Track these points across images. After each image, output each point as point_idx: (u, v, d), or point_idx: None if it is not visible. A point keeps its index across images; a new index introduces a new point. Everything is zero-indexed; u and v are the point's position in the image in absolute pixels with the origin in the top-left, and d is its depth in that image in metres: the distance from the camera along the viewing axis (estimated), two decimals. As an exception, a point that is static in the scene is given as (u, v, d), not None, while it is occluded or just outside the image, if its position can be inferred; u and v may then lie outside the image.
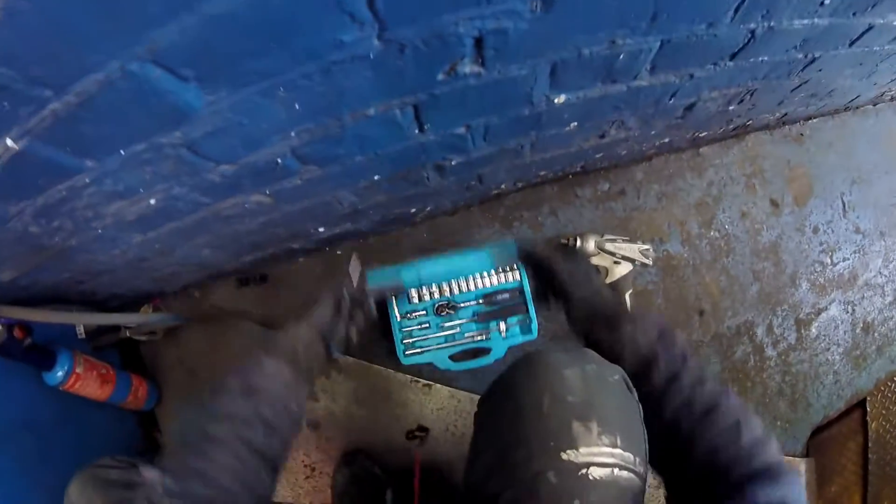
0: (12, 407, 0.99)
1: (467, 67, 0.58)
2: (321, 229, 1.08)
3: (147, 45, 0.42)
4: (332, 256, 1.29)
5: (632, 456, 0.53)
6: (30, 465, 0.98)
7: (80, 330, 1.13)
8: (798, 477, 0.59)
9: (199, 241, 0.97)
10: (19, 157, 0.52)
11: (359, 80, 0.56)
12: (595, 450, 0.51)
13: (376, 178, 0.86)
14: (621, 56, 0.66)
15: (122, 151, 0.59)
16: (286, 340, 0.80)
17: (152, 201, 0.73)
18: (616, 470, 0.51)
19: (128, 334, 1.19)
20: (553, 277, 0.89)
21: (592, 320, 0.80)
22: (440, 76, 0.59)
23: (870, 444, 1.30)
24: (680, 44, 0.68)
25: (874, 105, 1.41)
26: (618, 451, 0.52)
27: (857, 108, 1.39)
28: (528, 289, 1.17)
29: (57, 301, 1.06)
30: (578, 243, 1.16)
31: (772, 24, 0.69)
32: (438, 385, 1.21)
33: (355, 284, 0.91)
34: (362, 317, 0.90)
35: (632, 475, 0.52)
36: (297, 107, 0.58)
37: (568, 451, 0.51)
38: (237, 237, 0.99)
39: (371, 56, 0.51)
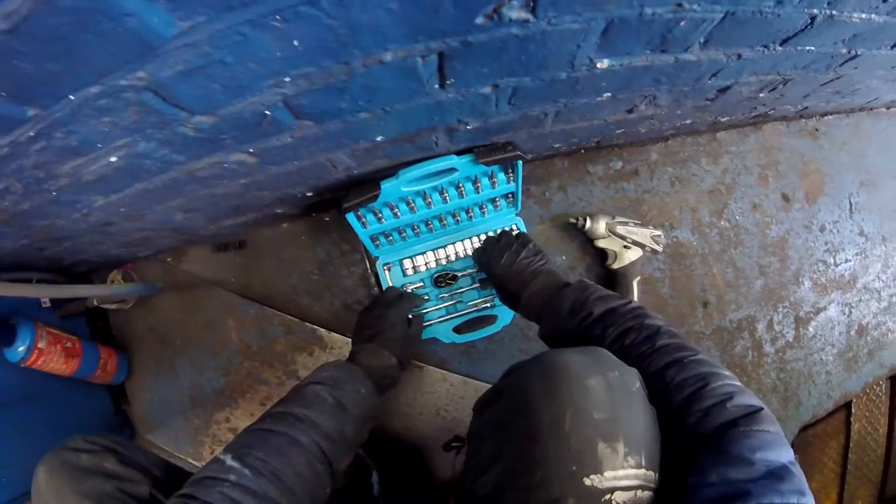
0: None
1: (514, 12, 0.49)
2: (310, 194, 0.98)
3: None
4: (318, 222, 1.19)
5: (654, 474, 0.47)
6: None
7: (45, 299, 1.07)
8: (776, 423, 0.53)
9: (171, 205, 0.87)
10: (-56, 103, 0.41)
11: (380, 14, 0.45)
12: (621, 472, 0.45)
13: (379, 139, 0.76)
14: (682, 22, 0.59)
15: (71, 96, 0.48)
16: (376, 369, 0.84)
17: (113, 159, 0.63)
18: (639, 492, 0.46)
19: (96, 303, 1.12)
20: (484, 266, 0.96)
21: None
22: (480, 19, 0.49)
23: (851, 445, 1.31)
24: (743, 19, 0.61)
25: (887, 108, 1.38)
26: (642, 471, 0.46)
27: (871, 109, 1.36)
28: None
29: (19, 269, 0.99)
30: (588, 223, 1.09)
31: (834, 12, 0.64)
32: (430, 367, 1.15)
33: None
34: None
35: (652, 493, 0.47)
36: (295, 43, 0.47)
37: (591, 477, 0.45)
38: (215, 201, 0.89)
39: (401, -19, 0.41)
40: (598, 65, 0.65)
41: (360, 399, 0.77)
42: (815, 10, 0.63)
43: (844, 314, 1.30)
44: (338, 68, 0.53)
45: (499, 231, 0.99)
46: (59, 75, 0.44)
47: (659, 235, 1.12)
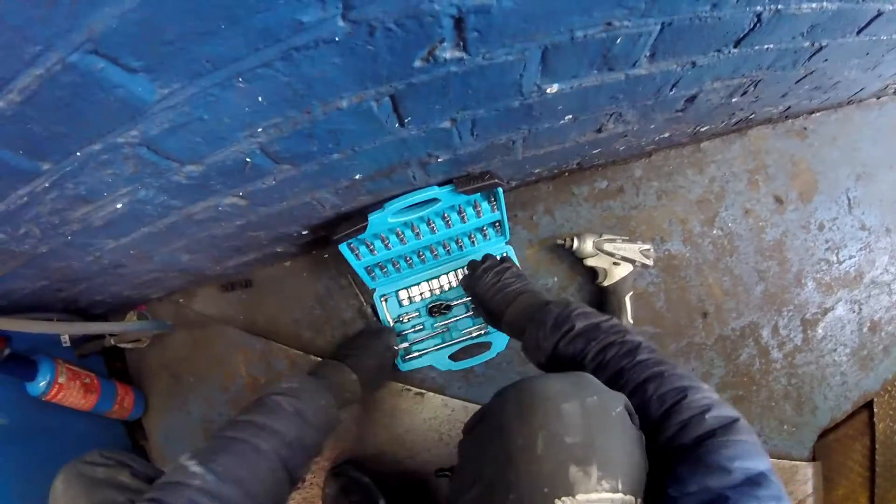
0: (-5, 415, 0.98)
1: (447, 52, 0.53)
2: (304, 232, 1.03)
3: (85, 33, 0.38)
4: (318, 259, 1.24)
5: (633, 498, 0.47)
6: (12, 473, 0.98)
7: (65, 338, 1.13)
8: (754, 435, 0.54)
9: (175, 246, 0.93)
10: (-29, 160, 0.49)
11: (326, 68, 0.51)
12: (594, 496, 0.45)
13: (357, 176, 0.81)
14: (618, 40, 0.61)
15: (78, 153, 0.55)
16: (336, 384, 0.90)
17: (118, 205, 0.70)
18: None
19: (112, 342, 1.18)
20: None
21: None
22: (417, 63, 0.54)
23: (877, 446, 1.26)
24: (682, 27, 0.63)
25: (877, 98, 1.36)
26: (618, 495, 0.46)
27: (860, 101, 1.34)
28: None
29: (38, 309, 1.04)
30: (575, 244, 1.11)
31: (779, 6, 0.64)
32: (430, 393, 1.17)
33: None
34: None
35: None
36: (260, 99, 0.53)
37: (563, 499, 0.45)
38: (215, 242, 0.95)
39: (337, 39, 0.46)
40: (548, 90, 0.68)
41: (319, 410, 0.81)
42: (759, 7, 0.63)
43: (854, 312, 1.27)
44: (301, 116, 0.58)
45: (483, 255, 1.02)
46: (65, 135, 0.52)
47: (648, 249, 1.13)
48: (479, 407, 1.12)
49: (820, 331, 1.25)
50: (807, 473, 1.23)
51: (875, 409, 1.25)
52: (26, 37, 0.38)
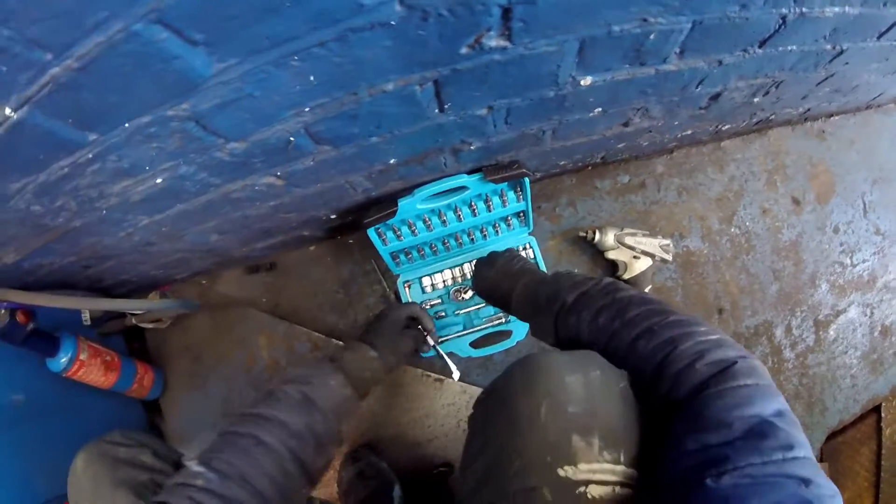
0: (16, 391, 0.98)
1: (493, 41, 0.55)
2: (333, 216, 1.05)
3: (152, 2, 0.39)
4: (342, 244, 1.27)
5: (635, 472, 0.47)
6: (31, 450, 0.97)
7: (86, 316, 1.13)
8: (766, 376, 0.49)
9: (207, 226, 0.95)
10: (18, 127, 0.50)
11: (378, 51, 0.53)
12: (596, 466, 0.45)
13: (392, 161, 0.83)
14: (652, 36, 0.63)
15: (126, 124, 0.56)
16: (353, 363, 0.80)
17: (158, 180, 0.71)
18: (617, 488, 0.45)
19: (134, 322, 1.19)
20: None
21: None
22: (464, 49, 0.56)
23: (883, 451, 1.27)
24: (711, 26, 0.65)
25: (896, 104, 1.37)
26: (620, 467, 0.46)
27: (879, 106, 1.36)
28: (542, 265, 1.16)
29: (63, 286, 1.05)
30: (597, 236, 1.13)
31: (803, 9, 0.66)
32: (450, 380, 1.19)
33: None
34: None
35: (633, 492, 0.46)
36: (311, 79, 0.55)
37: (566, 468, 0.45)
38: (247, 222, 0.97)
39: (392, 23, 0.48)
40: (582, 82, 0.70)
41: (329, 392, 0.73)
42: (784, 10, 0.65)
43: (866, 315, 1.29)
44: (348, 98, 0.61)
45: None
46: (117, 106, 0.53)
47: (668, 244, 1.15)
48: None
49: (832, 332, 1.27)
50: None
51: (883, 414, 1.26)
52: (92, 2, 0.38)
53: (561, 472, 0.45)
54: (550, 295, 0.72)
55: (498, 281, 0.88)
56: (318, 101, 0.60)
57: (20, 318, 0.92)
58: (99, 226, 0.83)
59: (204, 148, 0.66)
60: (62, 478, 0.68)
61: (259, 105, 0.58)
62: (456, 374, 0.94)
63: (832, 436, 1.27)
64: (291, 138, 0.67)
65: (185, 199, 0.81)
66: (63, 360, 1.01)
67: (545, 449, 0.46)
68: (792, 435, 0.42)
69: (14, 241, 0.80)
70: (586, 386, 0.50)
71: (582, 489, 0.44)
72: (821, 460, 1.27)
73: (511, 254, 0.93)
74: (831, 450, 1.27)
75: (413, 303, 1.03)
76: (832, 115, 1.33)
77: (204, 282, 1.31)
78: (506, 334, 1.15)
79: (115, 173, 0.67)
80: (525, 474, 0.46)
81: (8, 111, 0.48)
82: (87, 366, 1.05)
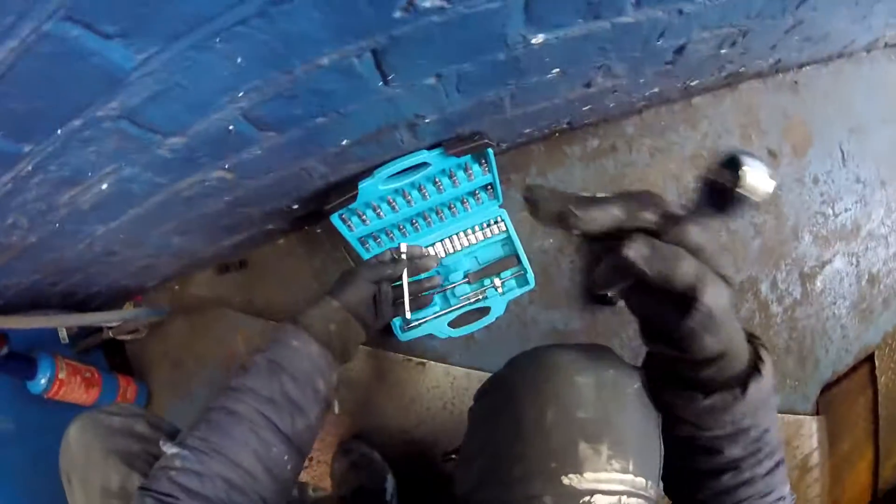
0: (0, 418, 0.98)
1: (428, 1, 0.52)
2: (295, 206, 1.02)
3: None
4: (311, 234, 1.24)
5: (644, 480, 0.45)
6: (20, 474, 0.97)
7: (63, 334, 1.12)
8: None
9: (165, 228, 0.92)
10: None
11: (305, 23, 0.49)
12: (603, 475, 0.43)
13: (344, 142, 0.80)
14: (603, -16, 0.60)
15: (59, 130, 0.54)
16: (315, 317, 0.74)
17: (104, 186, 0.69)
18: (624, 498, 0.44)
19: (111, 335, 1.17)
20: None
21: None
22: (397, 13, 0.52)
23: (879, 399, 1.26)
24: (666, -30, 0.61)
25: (868, 52, 1.35)
26: (629, 476, 0.44)
27: (850, 54, 1.33)
28: (515, 238, 1.13)
29: (35, 306, 1.03)
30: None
31: None
32: (432, 362, 1.17)
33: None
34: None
35: (641, 501, 0.45)
36: (239, 61, 0.52)
37: (570, 476, 0.43)
38: (205, 221, 0.94)
39: (314, -10, 0.45)
40: (534, 41, 0.66)
41: (292, 352, 0.68)
42: None
43: (852, 265, 1.27)
44: (282, 77, 0.57)
45: None
46: (45, 111, 0.51)
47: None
48: (482, 373, 1.14)
49: (819, 284, 1.26)
50: (811, 427, 1.24)
51: (876, 363, 1.26)
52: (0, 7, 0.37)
53: (565, 481, 0.43)
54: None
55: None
56: (251, 83, 0.57)
57: (-6, 342, 0.90)
58: (55, 239, 0.80)
59: (143, 146, 0.63)
60: (53, 498, 0.68)
61: (189, 94, 0.55)
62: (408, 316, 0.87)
63: (826, 388, 1.27)
64: (231, 126, 0.64)
65: (135, 203, 0.78)
66: (42, 381, 1.00)
67: (550, 455, 0.44)
68: None
69: (-30, 263, 0.78)
70: (598, 388, 0.47)
71: (586, 499, 0.43)
72: (816, 413, 1.26)
73: None
74: (827, 402, 1.27)
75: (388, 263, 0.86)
76: (804, 66, 1.30)
77: (176, 286, 1.28)
78: (484, 311, 1.13)
79: (58, 183, 0.65)
80: (527, 481, 0.44)
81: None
82: (68, 384, 1.04)
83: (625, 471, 0.44)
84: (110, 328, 1.16)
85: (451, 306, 1.13)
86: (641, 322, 0.47)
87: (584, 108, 1.06)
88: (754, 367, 0.45)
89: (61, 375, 1.03)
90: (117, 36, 0.43)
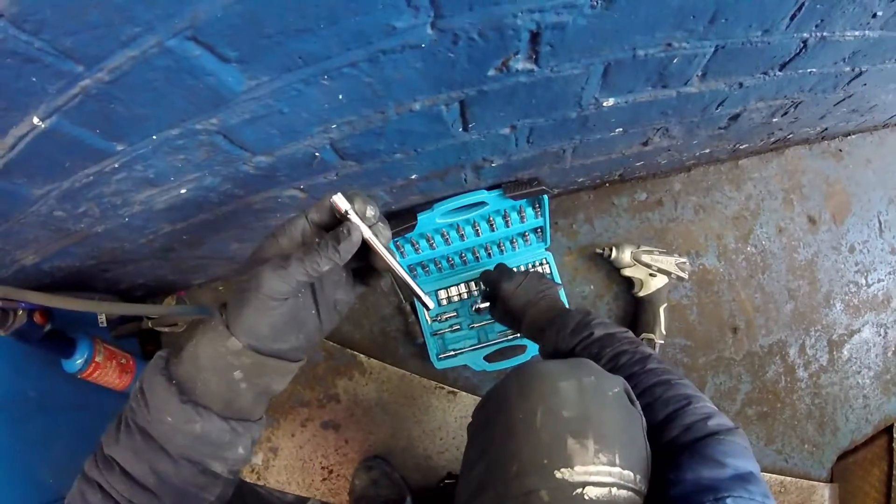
0: (29, 388, 0.99)
1: (520, 63, 0.56)
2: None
3: (188, 19, 0.39)
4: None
5: (632, 474, 0.48)
6: (39, 444, 0.98)
7: (102, 318, 1.12)
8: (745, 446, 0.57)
9: (228, 234, 0.95)
10: (46, 136, 0.50)
11: (407, 71, 0.53)
12: (592, 468, 0.47)
13: (413, 176, 0.84)
14: (675, 60, 0.64)
15: (154, 136, 0.56)
16: (203, 368, 0.44)
17: (183, 190, 0.72)
18: (614, 490, 0.47)
19: (150, 325, 1.19)
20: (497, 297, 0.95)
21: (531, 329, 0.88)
22: (491, 72, 0.57)
23: (894, 472, 1.26)
24: (734, 50, 0.65)
25: (912, 123, 1.36)
26: (616, 469, 0.48)
27: (894, 125, 1.36)
28: (557, 276, 1.17)
29: (80, 288, 1.05)
30: (614, 253, 1.14)
31: (824, 33, 0.67)
32: (463, 393, 1.19)
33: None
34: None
35: (631, 493, 0.48)
36: (340, 97, 0.56)
37: (562, 470, 0.47)
38: (266, 232, 0.97)
39: (423, 45, 0.49)
40: (605, 103, 0.71)
41: (171, 430, 0.44)
42: (806, 34, 0.66)
43: (880, 335, 1.28)
44: (375, 116, 0.61)
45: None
46: (146, 118, 0.53)
47: (684, 262, 1.15)
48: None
49: (846, 352, 1.27)
50: (824, 494, 1.24)
51: (895, 435, 1.26)
52: (127, 17, 0.38)
53: (558, 475, 0.47)
54: (580, 323, 0.78)
55: (518, 292, 0.91)
56: (345, 118, 0.61)
57: (37, 318, 0.92)
58: (120, 231, 0.83)
59: (230, 160, 0.66)
60: (65, 472, 0.67)
61: (287, 121, 0.59)
62: (430, 304, 0.53)
63: (843, 456, 1.27)
64: (317, 153, 0.68)
65: (207, 209, 0.81)
66: (79, 361, 1.01)
67: (541, 452, 0.48)
68: (769, 490, 0.51)
69: (34, 244, 0.80)
70: (580, 391, 0.52)
71: (579, 490, 0.46)
72: (831, 480, 1.26)
73: (535, 274, 0.95)
74: (842, 470, 1.27)
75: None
76: (849, 135, 1.32)
77: (221, 288, 1.32)
78: (520, 349, 1.15)
79: (140, 182, 0.67)
80: (523, 477, 0.48)
81: (36, 120, 0.48)
82: (103, 368, 1.05)
83: (612, 464, 0.48)
84: (150, 318, 1.18)
85: (489, 340, 1.16)
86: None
87: (636, 163, 1.09)
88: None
89: (98, 358, 1.04)
90: (235, 61, 0.46)
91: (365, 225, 0.45)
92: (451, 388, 1.20)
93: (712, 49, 0.64)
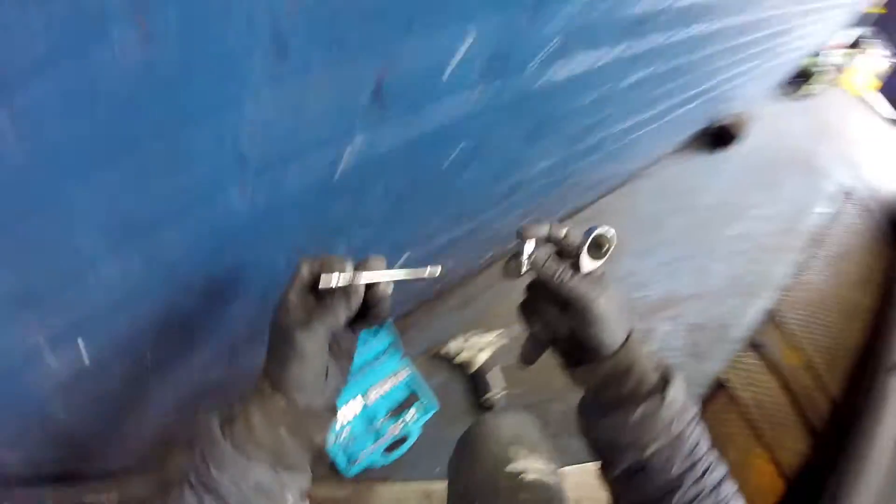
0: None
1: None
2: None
3: None
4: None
5: (554, 466, 0.76)
6: None
7: None
8: None
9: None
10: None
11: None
12: (529, 463, 0.73)
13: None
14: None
15: None
16: (256, 427, 0.48)
17: None
18: (544, 476, 0.73)
19: None
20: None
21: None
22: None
23: (750, 408, 1.59)
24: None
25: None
26: (542, 462, 0.75)
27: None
28: (417, 381, 1.36)
29: None
30: (449, 349, 1.44)
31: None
32: (438, 483, 1.26)
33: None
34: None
35: (555, 477, 0.75)
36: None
37: (509, 466, 0.72)
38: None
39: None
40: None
41: (233, 485, 0.46)
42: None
43: (674, 325, 1.73)
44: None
45: None
46: None
47: (502, 331, 1.47)
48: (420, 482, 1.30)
49: (655, 347, 1.67)
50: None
51: (732, 384, 1.62)
52: None
53: (507, 469, 0.73)
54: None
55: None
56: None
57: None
58: None
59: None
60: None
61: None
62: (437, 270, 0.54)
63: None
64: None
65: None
66: None
67: (494, 459, 0.75)
68: None
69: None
70: (514, 421, 0.84)
71: (522, 476, 0.72)
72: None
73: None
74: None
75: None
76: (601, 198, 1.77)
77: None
78: (404, 439, 1.30)
79: None
80: (486, 477, 0.74)
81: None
82: None
83: (538, 461, 0.75)
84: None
85: (382, 438, 1.28)
86: (563, 355, 0.56)
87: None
88: (668, 378, 0.50)
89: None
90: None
91: (363, 276, 0.49)
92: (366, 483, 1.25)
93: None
